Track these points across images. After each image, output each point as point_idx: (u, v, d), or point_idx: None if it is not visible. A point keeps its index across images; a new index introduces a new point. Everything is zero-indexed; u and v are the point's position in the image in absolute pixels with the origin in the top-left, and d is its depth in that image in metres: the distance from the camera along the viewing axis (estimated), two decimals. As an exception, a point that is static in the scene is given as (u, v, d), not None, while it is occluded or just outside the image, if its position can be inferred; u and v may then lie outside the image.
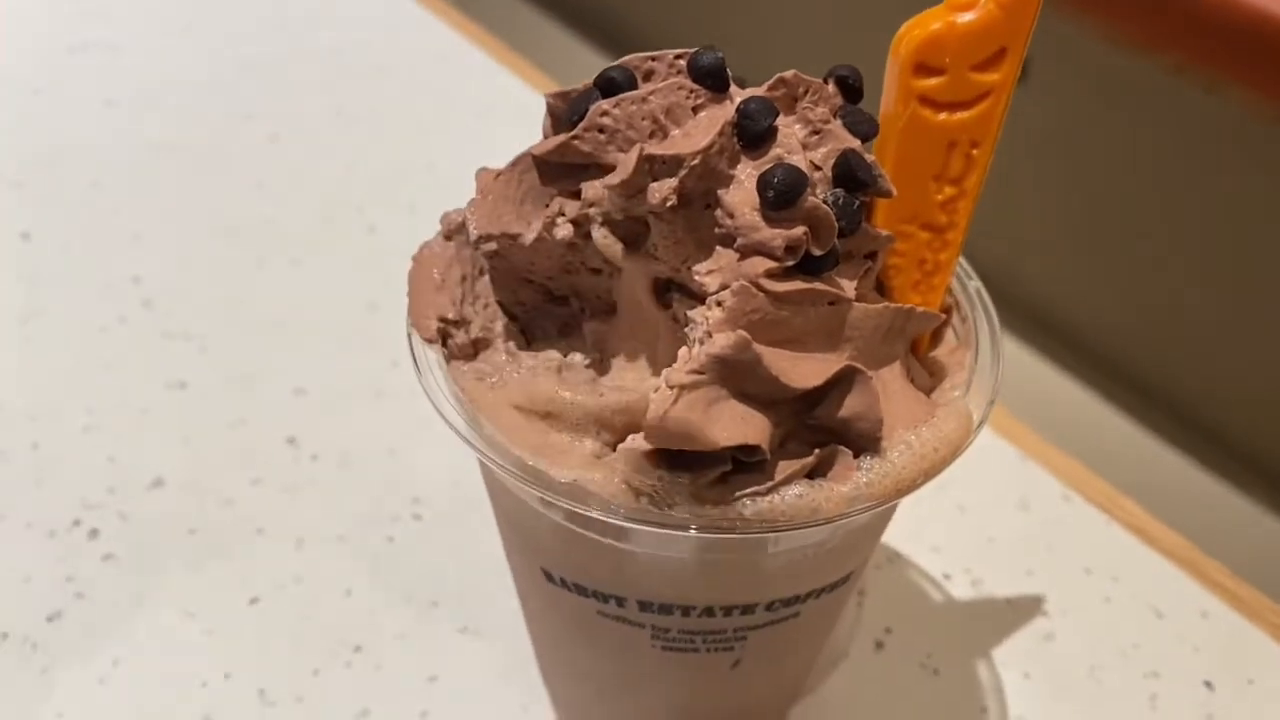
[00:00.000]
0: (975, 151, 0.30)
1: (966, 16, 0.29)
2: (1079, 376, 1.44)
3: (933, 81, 0.29)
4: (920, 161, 0.30)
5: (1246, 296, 1.27)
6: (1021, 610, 0.46)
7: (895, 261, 0.31)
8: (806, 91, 0.28)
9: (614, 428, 0.28)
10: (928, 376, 0.32)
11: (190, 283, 0.58)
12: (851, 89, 0.29)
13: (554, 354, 0.31)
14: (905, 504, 0.48)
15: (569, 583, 0.31)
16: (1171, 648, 0.45)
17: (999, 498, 0.50)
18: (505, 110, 0.70)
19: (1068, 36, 1.34)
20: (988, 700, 0.43)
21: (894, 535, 0.48)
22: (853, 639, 0.44)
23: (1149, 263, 1.36)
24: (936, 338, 0.33)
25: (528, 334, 0.31)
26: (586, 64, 1.90)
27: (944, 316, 0.31)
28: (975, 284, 0.33)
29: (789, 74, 0.28)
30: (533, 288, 0.30)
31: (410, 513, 0.48)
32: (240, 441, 0.50)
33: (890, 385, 0.29)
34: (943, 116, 0.30)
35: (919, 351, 0.32)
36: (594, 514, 0.27)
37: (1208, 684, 0.43)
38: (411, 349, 0.30)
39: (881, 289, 0.31)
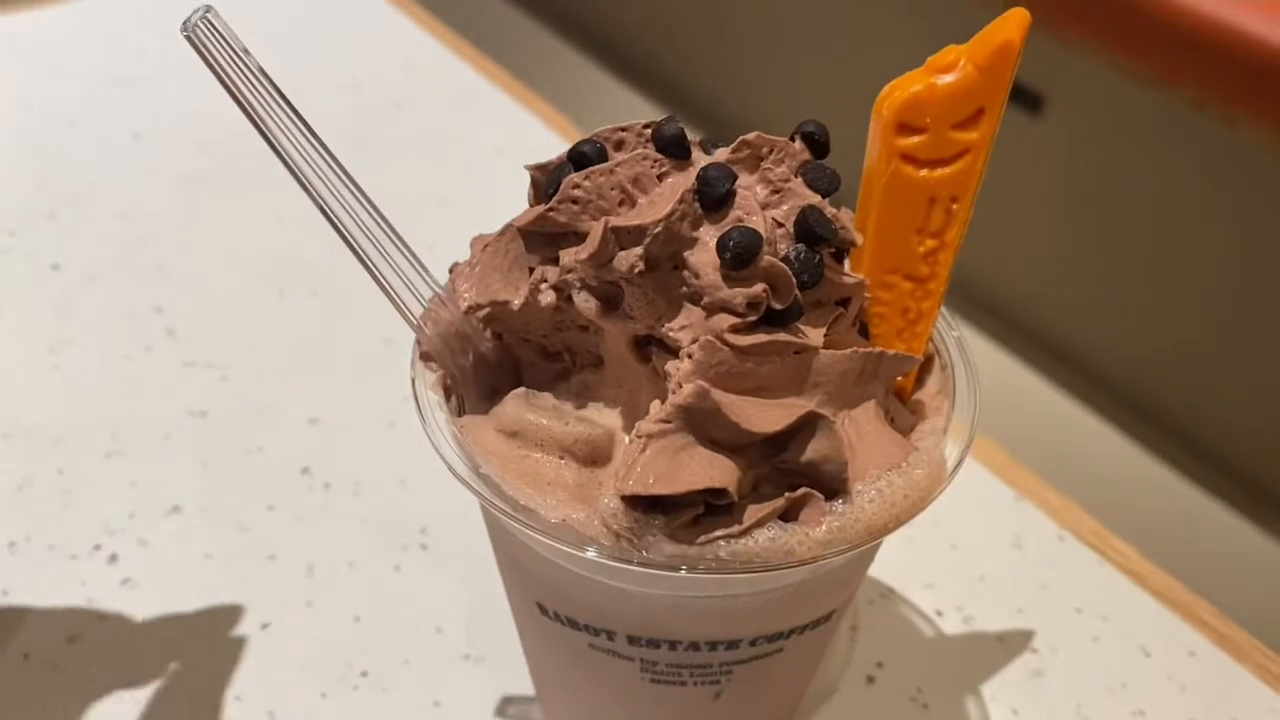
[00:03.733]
0: (955, 206, 0.32)
1: (946, 79, 0.30)
2: (1087, 400, 1.44)
3: (914, 140, 0.31)
4: (903, 216, 0.32)
5: (1261, 327, 1.27)
6: (1012, 647, 0.47)
7: (879, 310, 0.33)
8: (771, 151, 0.30)
9: (577, 456, 0.30)
10: (909, 416, 0.33)
11: (212, 313, 0.60)
12: (817, 144, 0.31)
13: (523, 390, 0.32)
14: (898, 541, 0.50)
15: (561, 616, 0.33)
16: (1159, 687, 0.45)
17: (993, 536, 0.51)
18: (521, 148, 0.72)
19: (1085, 70, 1.35)
20: (976, 735, 0.44)
21: (887, 571, 0.49)
22: (844, 673, 0.45)
23: (1162, 294, 1.36)
24: (920, 381, 0.35)
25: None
26: (605, 101, 1.92)
27: (917, 359, 0.33)
28: (956, 334, 0.35)
29: (752, 136, 0.30)
30: (529, 345, 0.32)
31: (418, 542, 0.49)
32: (256, 469, 0.52)
33: (864, 427, 0.30)
34: (924, 173, 0.31)
35: (903, 395, 0.34)
36: (579, 553, 0.28)
37: (1193, 723, 0.44)
38: (415, 396, 0.32)
39: (866, 334, 0.33)
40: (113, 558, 0.48)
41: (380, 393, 0.56)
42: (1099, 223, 1.42)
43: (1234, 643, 0.47)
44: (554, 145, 0.72)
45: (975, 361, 0.34)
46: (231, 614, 0.46)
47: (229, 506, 0.50)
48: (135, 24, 0.86)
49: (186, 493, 0.51)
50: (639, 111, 1.84)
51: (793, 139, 0.31)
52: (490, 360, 0.33)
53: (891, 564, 0.49)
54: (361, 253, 0.31)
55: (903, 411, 0.33)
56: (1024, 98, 1.45)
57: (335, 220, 0.30)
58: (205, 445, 0.53)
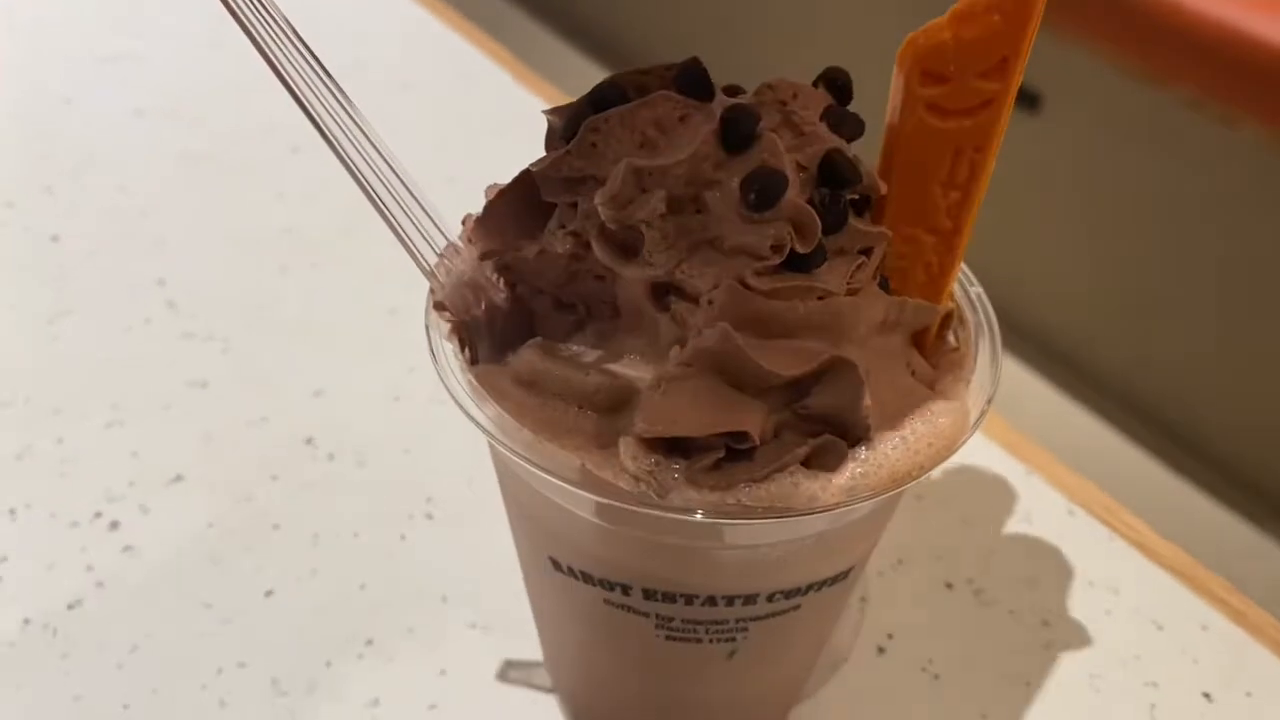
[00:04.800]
0: (979, 156, 0.31)
1: (970, 27, 0.30)
2: (1086, 401, 1.44)
3: (938, 89, 0.31)
4: (926, 167, 0.31)
5: (1260, 328, 1.27)
6: (1023, 620, 0.46)
7: (901, 264, 0.32)
8: (795, 95, 0.29)
9: (596, 406, 0.29)
10: (932, 370, 0.32)
11: (213, 286, 0.60)
12: (840, 90, 0.31)
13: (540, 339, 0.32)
14: (909, 514, 0.49)
15: (575, 570, 0.32)
16: (1171, 659, 0.45)
17: (1003, 510, 0.50)
18: (525, 127, 0.72)
19: (1083, 69, 1.35)
20: (988, 707, 0.43)
21: (898, 544, 0.48)
22: (854, 644, 0.45)
23: (1160, 292, 1.36)
24: (941, 334, 0.34)
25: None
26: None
27: (940, 308, 0.32)
28: (976, 289, 0.34)
29: (775, 80, 0.30)
30: (543, 297, 0.31)
31: (423, 512, 0.49)
32: (259, 440, 0.51)
33: (886, 376, 0.30)
34: (948, 123, 0.31)
35: (924, 347, 0.33)
36: (598, 499, 0.28)
37: (1206, 695, 0.44)
38: (430, 342, 0.31)
39: (887, 288, 0.32)
40: (114, 525, 0.47)
41: (384, 364, 0.55)
42: (1097, 221, 1.42)
43: (1247, 616, 0.47)
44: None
45: (994, 316, 0.33)
46: (235, 582, 0.46)
47: (232, 476, 0.50)
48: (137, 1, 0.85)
49: (188, 462, 0.50)
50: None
51: (816, 85, 0.31)
52: (504, 311, 0.32)
53: (901, 536, 0.49)
54: (377, 198, 0.30)
55: (924, 364, 0.32)
56: (1021, 96, 1.45)
57: (351, 165, 0.30)
58: (207, 416, 0.52)
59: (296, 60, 0.29)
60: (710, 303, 0.27)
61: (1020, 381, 1.45)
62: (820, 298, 0.28)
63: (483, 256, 0.31)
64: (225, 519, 0.48)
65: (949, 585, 0.47)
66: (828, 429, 0.28)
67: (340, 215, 0.64)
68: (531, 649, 0.43)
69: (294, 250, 0.63)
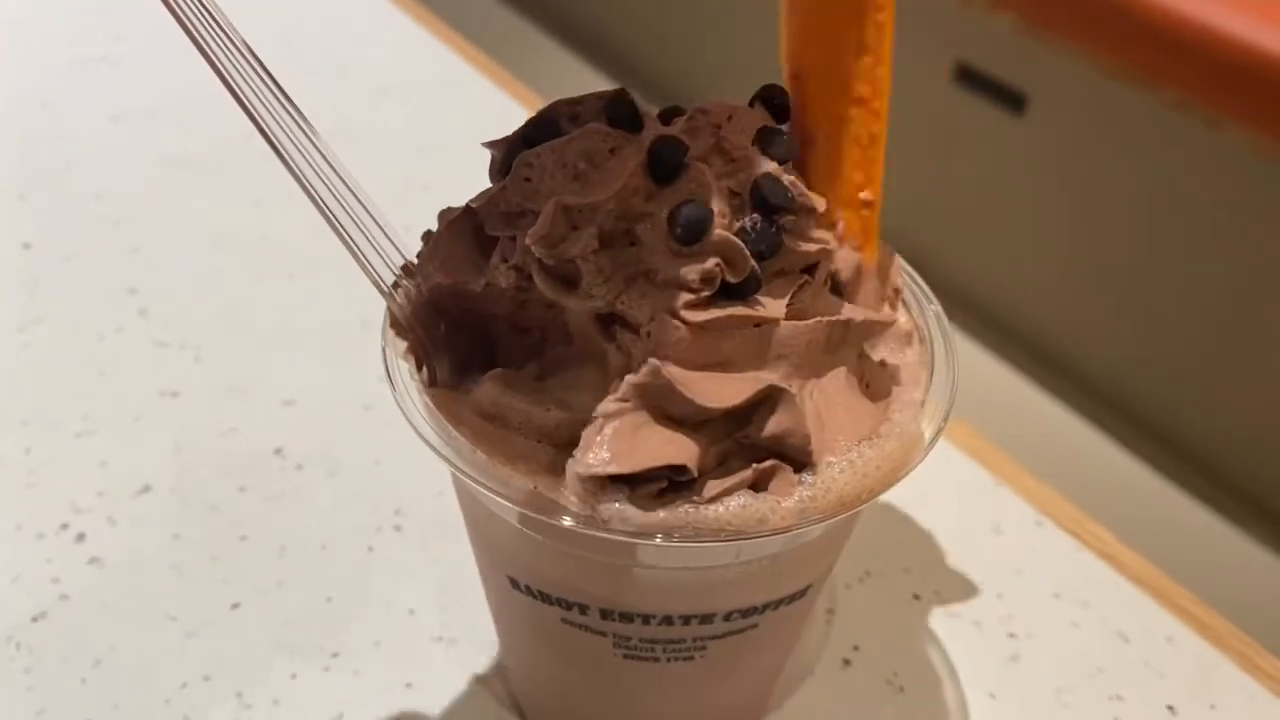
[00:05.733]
0: (881, 16, 0.31)
1: None
2: (1069, 401, 1.44)
3: None
4: (838, 35, 0.31)
5: (1240, 329, 1.27)
6: (989, 632, 0.46)
7: (833, 145, 0.31)
8: (730, 118, 0.30)
9: (555, 441, 0.29)
10: (887, 381, 0.32)
11: (186, 294, 0.60)
12: (777, 109, 0.31)
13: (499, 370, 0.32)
14: (875, 525, 0.49)
15: (534, 590, 0.32)
16: (1137, 672, 0.45)
17: (971, 521, 0.51)
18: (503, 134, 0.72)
19: (1068, 71, 1.35)
20: (953, 719, 0.43)
21: (864, 555, 0.49)
22: (820, 656, 0.45)
23: (1144, 294, 1.37)
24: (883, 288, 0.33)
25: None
26: (585, 86, 1.91)
27: (889, 322, 0.32)
28: (935, 307, 0.34)
29: (709, 103, 0.30)
30: (499, 320, 0.31)
31: (392, 524, 0.49)
32: (228, 450, 0.51)
33: (834, 397, 0.30)
34: None
35: (866, 270, 0.32)
36: (550, 521, 0.28)
37: (1170, 708, 0.44)
38: (385, 364, 0.31)
39: (840, 292, 0.32)
40: (80, 537, 0.47)
41: (355, 374, 0.55)
42: (1081, 222, 1.42)
43: (1213, 629, 0.47)
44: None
45: (953, 337, 0.33)
46: (201, 594, 0.45)
47: (200, 487, 0.50)
48: (114, 3, 0.85)
49: (157, 473, 0.50)
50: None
51: (752, 104, 0.31)
52: (462, 330, 0.32)
53: (869, 548, 0.49)
54: (332, 216, 0.30)
55: (880, 375, 0.32)
56: (1007, 98, 1.45)
57: (304, 182, 0.30)
58: (177, 426, 0.52)
59: (244, 70, 0.29)
60: (648, 335, 0.28)
61: (1002, 381, 1.45)
62: (757, 325, 0.28)
63: (432, 290, 0.31)
64: (193, 530, 0.48)
65: (916, 597, 0.47)
66: (772, 456, 0.28)
67: (316, 223, 0.64)
68: (499, 661, 0.43)
69: (269, 258, 0.62)
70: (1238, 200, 1.27)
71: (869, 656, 0.45)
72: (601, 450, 0.26)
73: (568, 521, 0.27)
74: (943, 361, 0.33)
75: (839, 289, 0.32)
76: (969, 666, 0.45)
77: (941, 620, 0.47)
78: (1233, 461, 1.33)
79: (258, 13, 0.86)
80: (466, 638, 0.44)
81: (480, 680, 0.43)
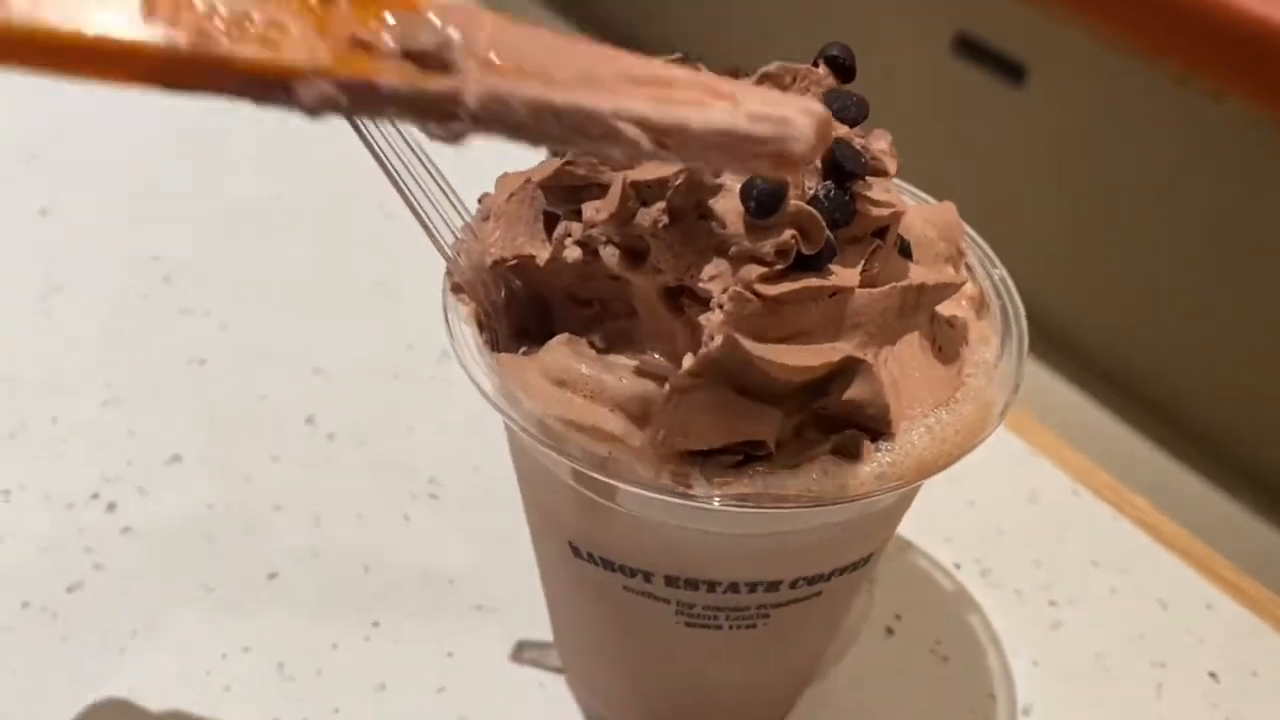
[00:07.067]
0: None
1: None
2: (1079, 383, 1.45)
3: None
4: None
5: (1250, 303, 1.27)
6: (1029, 600, 0.46)
7: None
8: (794, 80, 0.29)
9: (630, 411, 0.29)
10: (957, 341, 0.32)
11: (209, 261, 0.59)
12: (843, 68, 0.30)
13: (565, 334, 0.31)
14: (917, 497, 0.49)
15: (596, 557, 0.32)
16: (1177, 639, 0.45)
17: (1009, 491, 0.50)
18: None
19: (1068, 41, 1.34)
20: (996, 686, 0.43)
21: (905, 527, 0.48)
22: (863, 626, 0.45)
23: (1151, 269, 1.37)
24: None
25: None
26: None
27: (959, 284, 0.32)
28: (999, 272, 0.34)
29: (773, 66, 0.29)
30: (560, 291, 0.31)
31: (427, 492, 0.48)
32: (258, 419, 0.51)
33: (909, 363, 0.29)
34: None
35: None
36: (624, 488, 0.27)
37: (1212, 675, 0.44)
38: (449, 327, 0.30)
39: (909, 254, 0.31)
40: (111, 506, 0.46)
41: (383, 341, 0.54)
42: (1082, 194, 1.42)
43: (1251, 596, 0.47)
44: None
45: (1019, 302, 0.33)
46: (237, 563, 0.45)
47: (231, 456, 0.49)
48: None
49: (187, 442, 0.49)
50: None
51: (815, 64, 0.30)
52: (521, 296, 0.32)
53: (908, 518, 0.48)
54: (396, 175, 0.29)
55: (950, 336, 0.32)
56: (1006, 68, 1.44)
57: (369, 139, 0.29)
58: (205, 394, 0.52)
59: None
60: (720, 307, 0.27)
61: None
62: (832, 295, 0.28)
63: (494, 264, 0.30)
64: (225, 500, 0.47)
65: (956, 566, 0.47)
66: (850, 425, 0.27)
67: (336, 190, 0.63)
68: (540, 630, 0.42)
69: (291, 224, 0.61)
70: (1241, 173, 1.27)
71: (911, 625, 0.45)
72: (678, 425, 0.26)
73: (643, 491, 0.27)
74: (1010, 325, 0.32)
75: (907, 251, 0.31)
76: (1011, 635, 0.45)
77: (982, 589, 0.46)
78: (1234, 435, 1.33)
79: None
80: (507, 606, 0.44)
81: (524, 647, 0.43)
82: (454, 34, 0.20)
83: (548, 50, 0.20)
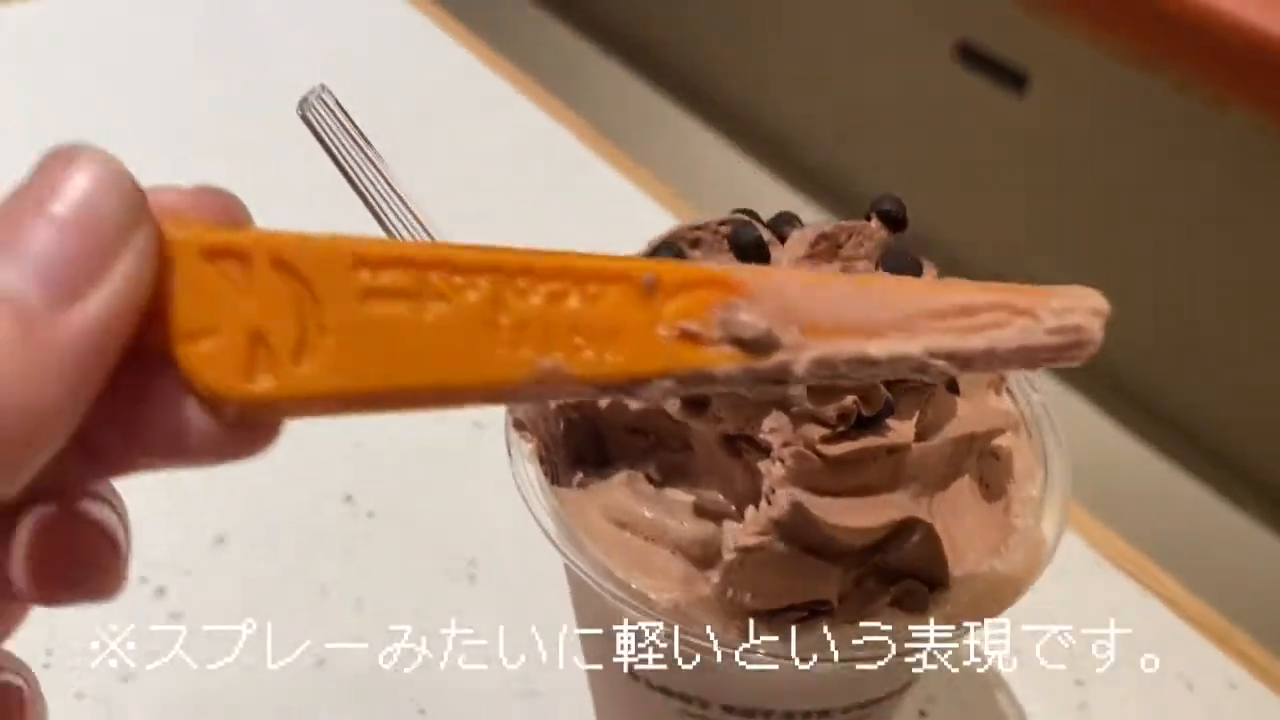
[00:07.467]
0: None
1: None
2: (1084, 399, 1.45)
3: None
4: None
5: (1249, 310, 1.28)
6: (1055, 677, 0.47)
7: None
8: (850, 237, 0.30)
9: (690, 555, 0.30)
10: (1001, 474, 0.33)
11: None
12: (895, 221, 0.31)
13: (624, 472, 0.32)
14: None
15: (655, 684, 0.33)
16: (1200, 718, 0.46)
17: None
18: (554, 161, 0.71)
19: (1070, 50, 1.35)
20: (1026, 769, 0.44)
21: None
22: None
23: (1151, 280, 1.37)
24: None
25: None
26: (635, 102, 1.85)
27: (1005, 428, 0.33)
28: (1039, 397, 0.35)
29: (829, 227, 0.30)
30: (617, 425, 0.32)
31: (467, 574, 0.49)
32: (297, 497, 0.52)
33: (960, 507, 0.30)
34: None
35: None
36: (689, 638, 0.28)
37: (1236, 756, 0.45)
38: (514, 473, 0.31)
39: (956, 389, 0.32)
40: (160, 591, 0.47)
41: (421, 418, 0.55)
42: (1083, 203, 1.43)
43: (1272, 674, 0.48)
44: (587, 160, 0.71)
45: (1062, 429, 0.34)
46: (285, 649, 0.46)
47: (273, 537, 0.50)
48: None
49: (229, 523, 0.50)
50: (667, 117, 1.77)
51: (868, 218, 0.31)
52: (578, 425, 0.33)
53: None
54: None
55: (995, 471, 0.33)
56: (1008, 76, 1.45)
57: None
58: (246, 473, 0.52)
59: (383, 191, 0.29)
60: (781, 461, 0.28)
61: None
62: (890, 451, 0.29)
63: (558, 409, 0.31)
64: (268, 582, 0.48)
65: (990, 647, 0.48)
66: (908, 576, 0.29)
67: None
68: (581, 713, 0.43)
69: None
70: (1242, 181, 1.27)
71: (943, 708, 0.46)
72: (746, 584, 0.27)
73: (707, 642, 0.28)
74: (1055, 455, 0.33)
75: (954, 385, 0.32)
76: (1037, 714, 0.46)
77: (1011, 666, 0.48)
78: (1250, 441, 1.33)
79: (297, 39, 0.85)
80: (550, 691, 0.45)
81: (567, 738, 0.44)
82: (773, 322, 0.21)
83: (852, 299, 0.22)
